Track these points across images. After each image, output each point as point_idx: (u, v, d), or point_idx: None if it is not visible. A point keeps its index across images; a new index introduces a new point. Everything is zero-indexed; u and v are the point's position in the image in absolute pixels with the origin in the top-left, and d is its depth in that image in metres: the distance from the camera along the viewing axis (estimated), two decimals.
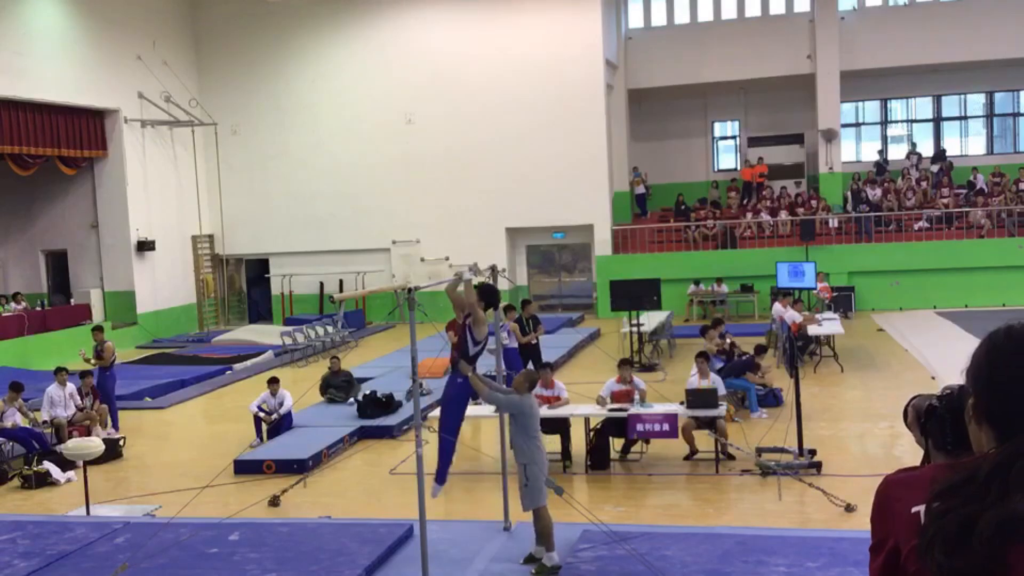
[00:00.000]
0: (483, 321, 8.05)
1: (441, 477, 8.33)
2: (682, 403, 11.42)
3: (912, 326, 21.19)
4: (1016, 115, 29.33)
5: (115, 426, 14.36)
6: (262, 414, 13.25)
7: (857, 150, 30.13)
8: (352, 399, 14.62)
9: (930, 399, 1.96)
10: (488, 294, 8.35)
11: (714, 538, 8.33)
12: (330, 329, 22.54)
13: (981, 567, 1.55)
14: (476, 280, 8.46)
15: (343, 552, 8.27)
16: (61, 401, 13.61)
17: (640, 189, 28.94)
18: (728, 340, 15.45)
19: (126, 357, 22.41)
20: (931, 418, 1.93)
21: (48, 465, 11.96)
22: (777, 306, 17.96)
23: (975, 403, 1.73)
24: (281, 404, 13.37)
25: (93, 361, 14.54)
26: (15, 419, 12.92)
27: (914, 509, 1.69)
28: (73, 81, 23.14)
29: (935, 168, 27.72)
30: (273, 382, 13.58)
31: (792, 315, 16.98)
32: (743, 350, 14.95)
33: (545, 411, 11.60)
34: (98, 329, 15.52)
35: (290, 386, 14.02)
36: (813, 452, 11.02)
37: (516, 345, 15.03)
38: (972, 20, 26.23)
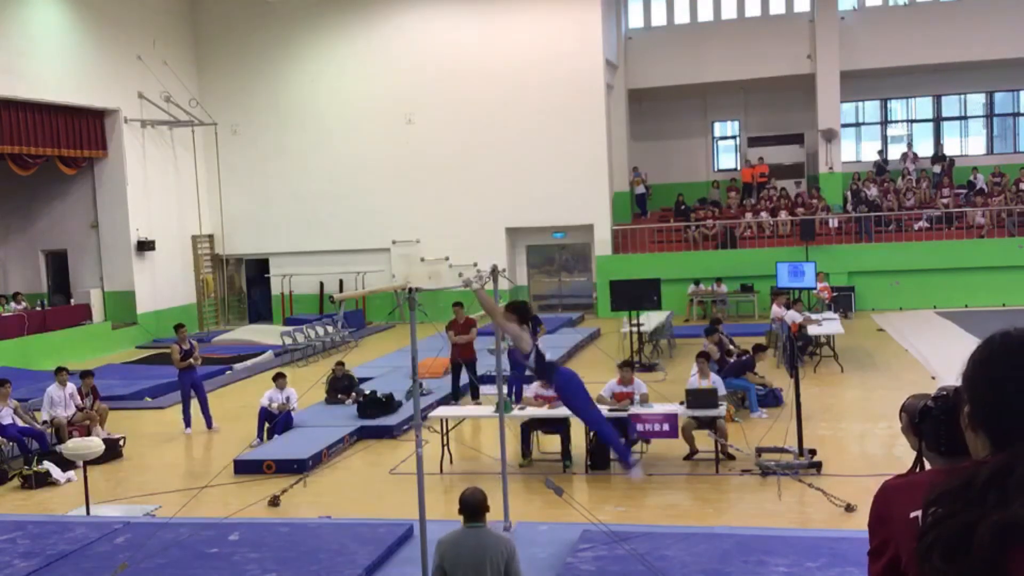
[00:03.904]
0: (521, 336, 7.55)
1: (625, 456, 8.50)
2: (682, 403, 11.43)
3: (912, 326, 21.19)
4: (1016, 115, 29.33)
5: (209, 422, 14.50)
6: (274, 405, 13.39)
7: (857, 150, 30.13)
8: (351, 400, 14.65)
9: (924, 400, 1.96)
10: (522, 311, 7.78)
11: (714, 538, 8.33)
12: (330, 329, 22.54)
13: (980, 572, 1.55)
14: (479, 285, 8.18)
15: (343, 552, 8.28)
16: (61, 401, 13.60)
17: (640, 189, 28.94)
18: (723, 347, 15.31)
19: (126, 357, 22.45)
20: (925, 419, 1.93)
21: (48, 465, 11.95)
22: (776, 308, 17.97)
23: (971, 410, 1.72)
24: (287, 399, 13.49)
25: (196, 360, 14.56)
26: (9, 420, 12.86)
27: (912, 514, 1.69)
28: (73, 81, 23.14)
29: (936, 169, 27.72)
30: (279, 377, 13.70)
31: (792, 315, 17.00)
32: (743, 349, 14.94)
33: (545, 411, 11.63)
34: (181, 326, 15.20)
35: (290, 386, 14.03)
36: (813, 452, 11.02)
37: None
38: (972, 20, 26.23)
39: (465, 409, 13.69)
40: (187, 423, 14.42)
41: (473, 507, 5.98)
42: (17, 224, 25.83)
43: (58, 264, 25.99)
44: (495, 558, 5.89)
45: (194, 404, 14.44)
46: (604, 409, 11.49)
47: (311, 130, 27.42)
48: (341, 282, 27.27)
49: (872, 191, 26.53)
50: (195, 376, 14.55)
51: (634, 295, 17.68)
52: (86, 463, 10.70)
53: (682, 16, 28.96)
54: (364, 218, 27.14)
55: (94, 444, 10.90)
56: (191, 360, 14.35)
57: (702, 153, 30.67)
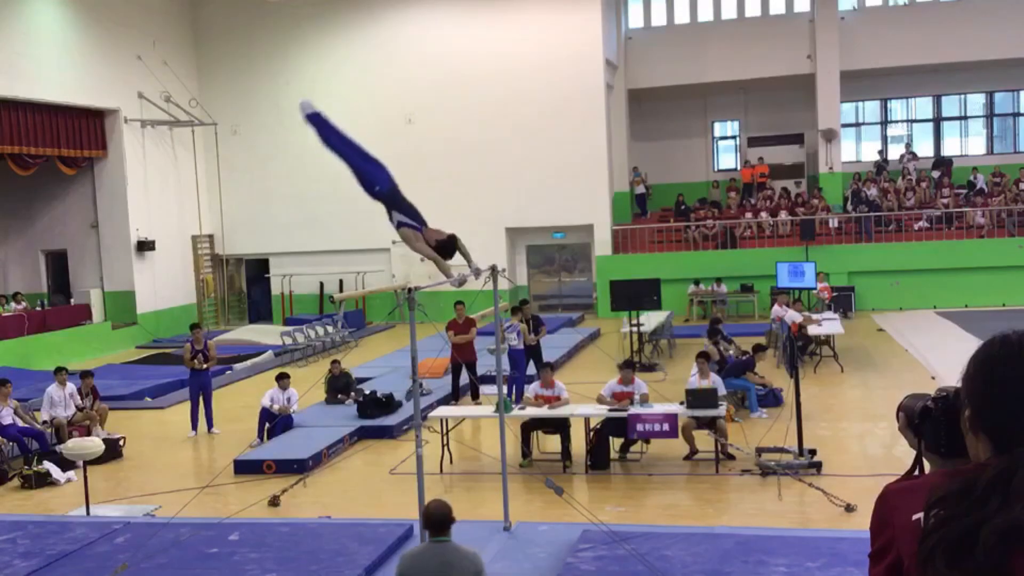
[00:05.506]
0: (411, 240, 7.23)
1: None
2: (682, 403, 11.43)
3: (912, 326, 21.19)
4: (1016, 115, 29.32)
5: (210, 424, 14.31)
6: (275, 407, 13.37)
7: (857, 150, 30.13)
8: (351, 400, 14.65)
9: (923, 400, 1.95)
10: (446, 249, 7.45)
11: (714, 538, 8.33)
12: (330, 329, 22.54)
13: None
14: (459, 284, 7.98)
15: (343, 552, 8.28)
16: (61, 401, 13.60)
17: (640, 189, 28.94)
18: (721, 349, 15.28)
19: (126, 357, 22.45)
20: (926, 420, 1.92)
21: (48, 465, 11.95)
22: (776, 308, 17.98)
23: (972, 413, 1.72)
24: (289, 400, 13.49)
25: (207, 365, 14.29)
26: (9, 420, 12.85)
27: (915, 517, 1.69)
28: (73, 81, 23.14)
29: (936, 174, 27.70)
30: (283, 377, 13.69)
31: (792, 315, 17.01)
32: (743, 350, 14.94)
33: (545, 411, 11.63)
34: (196, 326, 15.09)
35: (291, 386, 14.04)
36: (813, 452, 11.02)
37: (523, 347, 15.12)
38: (972, 20, 26.22)
39: (465, 409, 13.70)
40: (194, 426, 14.27)
41: (438, 520, 5.65)
42: (17, 224, 25.83)
43: (58, 264, 25.99)
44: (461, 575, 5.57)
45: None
46: (603, 409, 11.54)
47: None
48: (341, 282, 27.26)
49: (872, 191, 26.53)
50: (205, 378, 14.33)
51: (634, 295, 17.69)
52: (86, 463, 10.70)
53: (682, 16, 28.95)
54: (364, 218, 26.99)
55: (94, 444, 10.89)
56: (195, 361, 14.17)
57: (702, 153, 30.66)
